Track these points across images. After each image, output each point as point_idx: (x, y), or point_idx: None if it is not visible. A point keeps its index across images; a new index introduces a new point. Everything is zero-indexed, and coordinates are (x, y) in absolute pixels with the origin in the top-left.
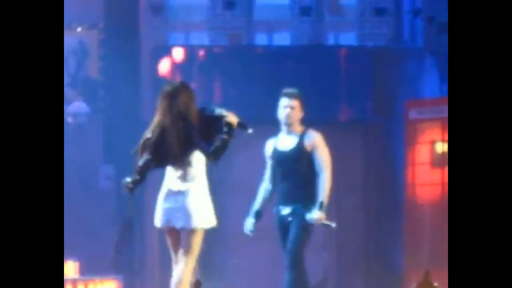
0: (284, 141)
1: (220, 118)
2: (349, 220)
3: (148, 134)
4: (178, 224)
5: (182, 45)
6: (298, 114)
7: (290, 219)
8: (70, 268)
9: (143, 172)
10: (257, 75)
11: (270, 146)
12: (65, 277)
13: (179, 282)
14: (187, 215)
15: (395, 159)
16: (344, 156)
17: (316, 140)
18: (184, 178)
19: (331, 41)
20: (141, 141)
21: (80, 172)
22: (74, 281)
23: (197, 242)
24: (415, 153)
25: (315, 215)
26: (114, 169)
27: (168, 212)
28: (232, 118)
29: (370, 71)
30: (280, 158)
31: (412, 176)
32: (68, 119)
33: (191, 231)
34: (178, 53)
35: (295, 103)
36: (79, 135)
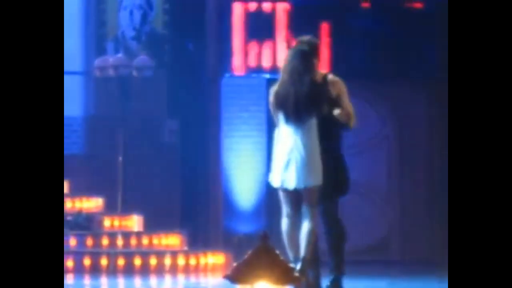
0: None
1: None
2: (412, 176)
3: (275, 90)
4: (293, 185)
5: (248, 0)
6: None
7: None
8: (135, 222)
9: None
10: (325, 31)
11: None
12: (129, 230)
13: (310, 232)
14: (302, 176)
15: None
16: (410, 112)
17: (341, 86)
18: (298, 138)
19: None
20: (271, 96)
21: (145, 126)
22: (138, 235)
23: (315, 197)
24: None
25: (337, 111)
26: (178, 123)
27: (284, 173)
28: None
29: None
30: None
31: None
32: (133, 73)
33: (309, 189)
34: (244, 8)
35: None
36: (143, 89)
